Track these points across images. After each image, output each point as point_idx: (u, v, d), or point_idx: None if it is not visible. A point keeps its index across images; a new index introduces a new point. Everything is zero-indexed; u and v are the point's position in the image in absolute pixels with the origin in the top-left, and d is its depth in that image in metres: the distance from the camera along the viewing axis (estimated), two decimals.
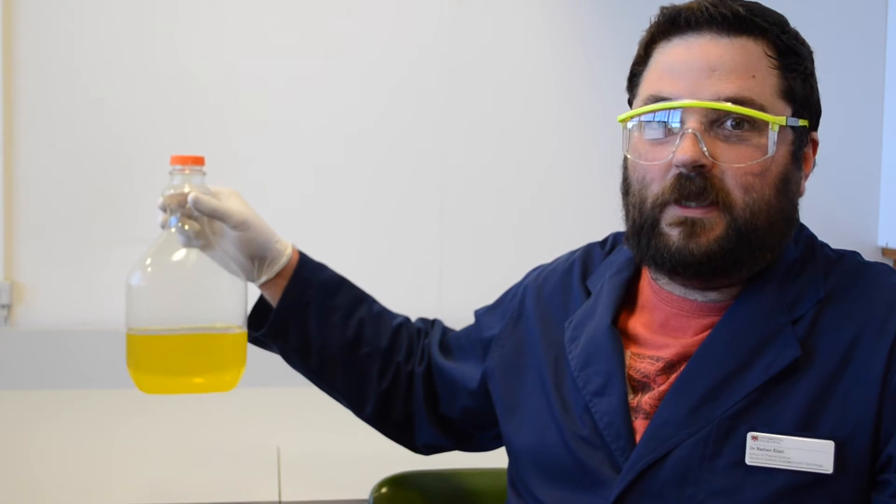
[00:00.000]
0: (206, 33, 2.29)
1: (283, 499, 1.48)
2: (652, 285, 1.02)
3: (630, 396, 0.97)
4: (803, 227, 1.00)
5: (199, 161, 1.11)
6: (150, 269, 1.06)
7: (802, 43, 0.95)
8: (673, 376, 0.95)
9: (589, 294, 1.09)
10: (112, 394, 2.13)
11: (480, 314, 1.23)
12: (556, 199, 2.44)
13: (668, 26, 0.95)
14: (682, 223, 0.91)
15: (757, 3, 0.95)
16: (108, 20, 2.25)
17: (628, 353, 0.99)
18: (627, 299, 1.04)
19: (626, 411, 0.95)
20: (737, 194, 0.90)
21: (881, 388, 0.86)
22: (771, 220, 0.91)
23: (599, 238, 1.17)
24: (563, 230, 2.41)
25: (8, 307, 2.22)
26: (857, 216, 2.59)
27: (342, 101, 2.35)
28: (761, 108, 0.90)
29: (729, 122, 0.90)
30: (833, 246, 1.01)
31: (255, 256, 1.13)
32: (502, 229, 2.42)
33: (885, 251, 2.59)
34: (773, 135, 0.89)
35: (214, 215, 1.09)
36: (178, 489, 1.52)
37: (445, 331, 1.25)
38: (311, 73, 2.34)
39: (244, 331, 1.08)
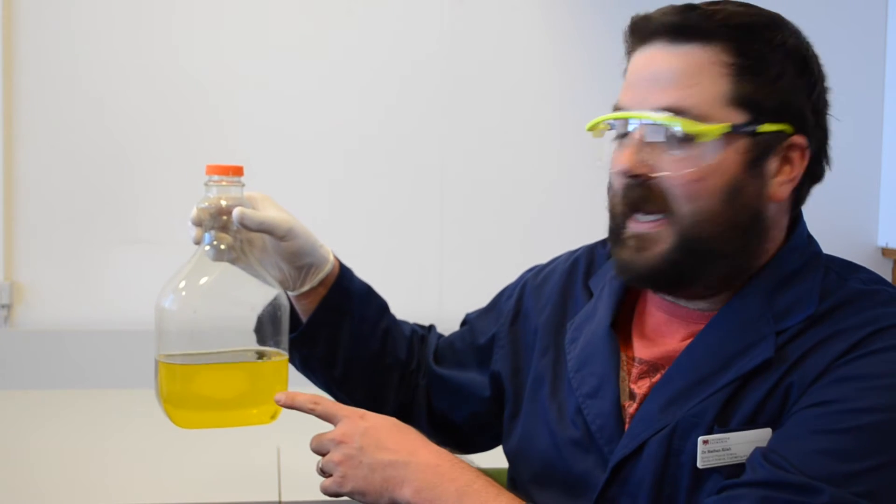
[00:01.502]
0: (206, 36, 2.29)
1: (283, 499, 1.48)
2: (648, 290, 1.02)
3: (627, 401, 0.97)
4: (812, 241, 0.99)
5: (238, 171, 1.00)
6: (184, 292, 0.95)
7: (777, 46, 0.92)
8: (655, 379, 0.95)
9: (591, 295, 1.09)
10: (112, 394, 2.13)
11: (473, 318, 1.22)
12: (558, 202, 2.44)
13: (630, 37, 0.96)
14: (634, 237, 0.93)
15: (727, 7, 0.93)
16: (108, 21, 2.25)
17: (625, 357, 1.00)
18: (627, 302, 1.04)
19: (619, 414, 0.95)
20: (680, 203, 0.90)
21: (809, 384, 0.86)
22: (719, 230, 0.90)
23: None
24: (564, 233, 2.41)
25: (8, 307, 2.22)
26: (857, 216, 2.59)
27: (343, 105, 2.35)
28: (698, 117, 0.89)
29: (668, 132, 0.90)
30: (833, 246, 1.01)
31: (302, 265, 1.07)
32: (503, 234, 2.42)
33: (885, 251, 2.59)
34: (711, 144, 0.88)
35: (261, 229, 1.01)
36: (178, 489, 1.52)
37: (439, 339, 1.24)
38: (312, 77, 2.34)
39: (285, 356, 1.00)
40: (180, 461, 1.67)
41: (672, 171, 0.90)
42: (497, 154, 2.42)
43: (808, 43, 0.95)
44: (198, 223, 0.99)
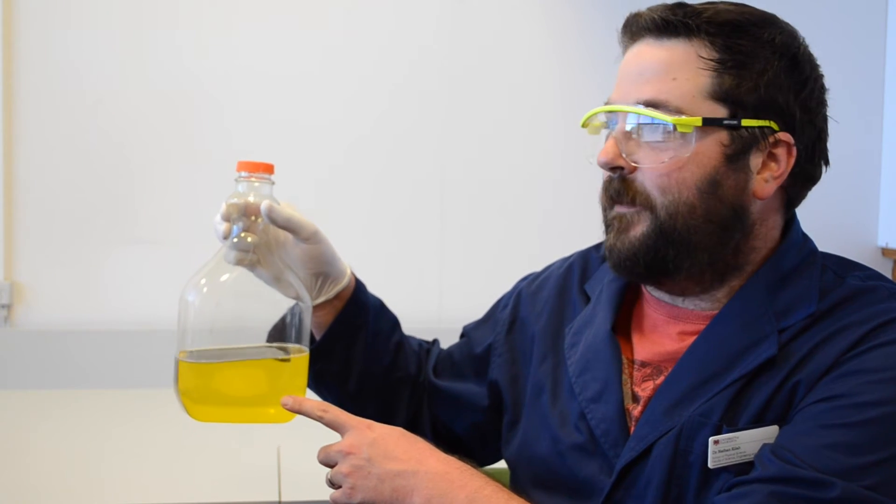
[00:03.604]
0: (206, 35, 2.29)
1: (283, 499, 1.48)
2: (644, 291, 1.03)
3: (630, 404, 0.97)
4: (808, 239, 0.99)
5: (269, 169, 0.98)
6: (205, 288, 0.95)
7: (764, 43, 0.92)
8: (659, 381, 0.95)
9: (588, 299, 1.09)
10: (112, 394, 2.13)
11: (470, 329, 1.22)
12: (560, 203, 2.44)
13: (622, 35, 0.99)
14: (614, 220, 0.95)
15: (718, 5, 0.94)
16: (108, 20, 2.25)
17: (626, 360, 1.00)
18: (625, 305, 1.04)
19: (623, 418, 0.96)
20: (654, 195, 0.92)
21: (815, 381, 0.86)
22: (695, 222, 0.91)
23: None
24: (565, 235, 2.41)
25: (8, 307, 2.22)
26: (857, 216, 2.59)
27: (343, 105, 2.35)
28: (677, 110, 0.90)
29: (645, 125, 0.92)
30: (833, 246, 1.01)
31: (319, 273, 1.06)
32: (504, 236, 2.42)
33: (885, 251, 2.59)
34: (686, 136, 0.90)
35: (287, 226, 1.00)
36: (178, 489, 1.52)
37: (439, 353, 1.24)
38: (311, 76, 2.34)
39: (306, 353, 0.99)
40: (180, 461, 1.67)
41: (648, 163, 0.92)
42: (498, 154, 2.42)
43: (801, 42, 0.95)
44: (226, 218, 0.99)
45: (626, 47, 0.98)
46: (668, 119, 0.90)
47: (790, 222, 0.99)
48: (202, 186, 2.24)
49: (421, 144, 2.39)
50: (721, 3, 0.95)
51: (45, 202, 2.24)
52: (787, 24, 0.96)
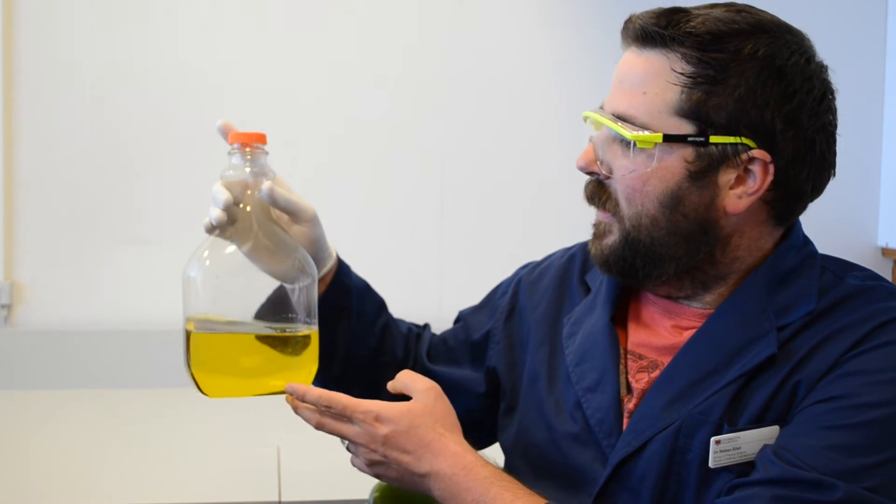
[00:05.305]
0: (206, 33, 2.29)
1: (283, 499, 1.48)
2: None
3: (625, 395, 0.97)
4: (808, 242, 0.99)
5: (262, 139, 0.97)
6: (208, 261, 0.95)
7: (746, 56, 0.89)
8: (654, 374, 0.96)
9: (588, 290, 1.09)
10: (112, 394, 2.13)
11: (466, 314, 1.23)
12: (560, 200, 2.44)
13: (621, 38, 0.99)
14: (595, 224, 0.99)
15: (711, 12, 0.91)
16: (108, 20, 2.25)
17: (622, 351, 1.00)
18: (625, 296, 1.05)
19: (619, 409, 0.96)
20: (622, 205, 0.94)
21: (815, 381, 0.86)
22: (659, 234, 0.92)
23: None
24: (565, 232, 2.40)
25: (8, 307, 2.22)
26: (857, 216, 2.59)
27: (342, 102, 2.35)
28: (642, 125, 0.90)
29: (616, 137, 0.93)
30: (833, 246, 1.01)
31: (312, 256, 1.05)
32: (504, 233, 2.42)
33: (885, 251, 2.59)
34: (650, 151, 0.90)
35: (287, 208, 1.00)
36: (178, 489, 1.52)
37: (433, 337, 1.24)
38: (312, 73, 2.34)
39: (315, 327, 0.99)
40: (180, 461, 1.67)
41: (616, 173, 0.94)
42: (498, 154, 2.42)
43: (794, 51, 0.91)
44: (229, 192, 0.97)
45: (623, 50, 0.98)
46: (629, 135, 0.90)
47: (791, 226, 0.98)
48: (202, 186, 2.24)
49: (421, 144, 2.39)
50: (718, 5, 0.93)
51: (45, 202, 2.24)
52: (783, 33, 0.91)
